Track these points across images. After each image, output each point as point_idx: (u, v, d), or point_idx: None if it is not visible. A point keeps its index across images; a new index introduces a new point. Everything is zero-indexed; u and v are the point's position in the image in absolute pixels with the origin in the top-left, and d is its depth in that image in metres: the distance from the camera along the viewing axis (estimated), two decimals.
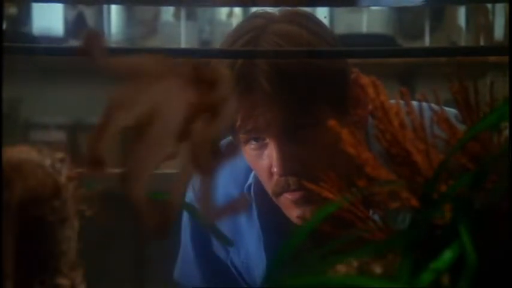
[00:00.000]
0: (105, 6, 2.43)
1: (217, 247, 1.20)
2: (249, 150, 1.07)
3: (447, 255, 0.51)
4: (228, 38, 1.09)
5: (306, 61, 1.04)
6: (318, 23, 1.09)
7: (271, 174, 1.06)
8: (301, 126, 1.04)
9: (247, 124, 1.04)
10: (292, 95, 1.02)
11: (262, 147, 1.06)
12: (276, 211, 1.11)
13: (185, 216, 1.22)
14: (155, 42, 2.53)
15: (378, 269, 0.54)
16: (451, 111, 0.64)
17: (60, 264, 0.55)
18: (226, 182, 1.16)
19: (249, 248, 1.16)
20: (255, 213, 1.15)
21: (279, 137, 1.04)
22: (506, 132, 0.58)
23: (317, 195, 0.66)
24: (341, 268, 0.55)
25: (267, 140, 1.05)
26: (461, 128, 0.63)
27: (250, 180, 1.15)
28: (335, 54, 1.11)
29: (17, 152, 0.54)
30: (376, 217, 0.65)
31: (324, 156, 1.00)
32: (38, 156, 0.55)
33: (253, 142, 1.06)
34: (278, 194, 1.06)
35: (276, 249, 1.12)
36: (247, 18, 1.14)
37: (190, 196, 1.22)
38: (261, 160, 1.06)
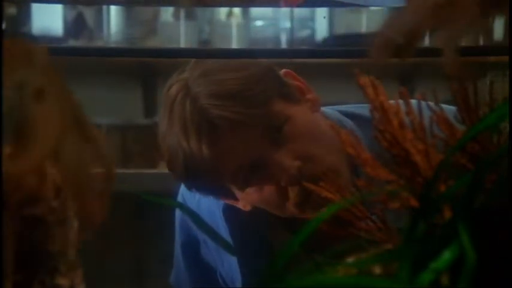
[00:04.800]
0: (105, 6, 2.43)
1: (207, 257, 1.20)
2: (249, 193, 1.07)
3: (447, 255, 0.50)
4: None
5: (236, 73, 1.06)
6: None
7: (283, 191, 1.05)
8: (278, 130, 1.04)
9: (240, 165, 1.04)
10: (251, 108, 1.03)
11: (259, 176, 1.05)
12: (246, 229, 1.12)
13: (177, 226, 1.22)
14: (155, 42, 2.52)
15: (377, 269, 0.54)
16: (451, 108, 0.64)
17: (60, 264, 0.55)
18: (210, 201, 1.17)
19: (230, 260, 1.16)
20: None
21: (271, 150, 1.04)
22: (506, 132, 0.58)
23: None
24: (341, 268, 0.55)
25: (260, 169, 1.04)
26: (460, 128, 0.63)
27: None
28: (335, 54, 1.11)
29: None
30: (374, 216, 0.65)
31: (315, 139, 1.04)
32: None
33: (250, 179, 1.05)
34: (303, 205, 1.05)
35: (249, 265, 1.13)
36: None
37: (181, 199, 1.23)
38: (265, 188, 1.06)
